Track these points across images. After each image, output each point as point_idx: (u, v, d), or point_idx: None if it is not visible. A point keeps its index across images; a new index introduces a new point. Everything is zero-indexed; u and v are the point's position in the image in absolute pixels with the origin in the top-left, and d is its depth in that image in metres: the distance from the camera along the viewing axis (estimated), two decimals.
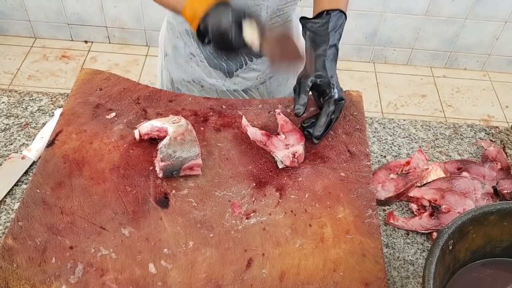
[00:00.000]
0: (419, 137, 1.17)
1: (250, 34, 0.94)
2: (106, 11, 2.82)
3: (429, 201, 0.99)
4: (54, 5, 2.79)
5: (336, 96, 1.02)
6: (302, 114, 1.01)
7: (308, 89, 1.01)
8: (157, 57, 1.45)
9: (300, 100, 1.01)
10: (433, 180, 1.05)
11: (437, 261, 0.70)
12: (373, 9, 2.70)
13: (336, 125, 1.07)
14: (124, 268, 0.83)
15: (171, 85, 1.35)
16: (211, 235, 0.88)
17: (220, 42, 0.94)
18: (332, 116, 1.02)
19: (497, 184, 1.04)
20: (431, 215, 0.97)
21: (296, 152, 0.98)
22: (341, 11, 1.07)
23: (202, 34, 0.96)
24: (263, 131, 1.03)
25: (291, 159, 0.98)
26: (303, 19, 1.08)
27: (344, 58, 2.94)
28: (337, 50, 1.05)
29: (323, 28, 1.05)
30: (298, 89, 1.03)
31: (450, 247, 0.74)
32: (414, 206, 1.00)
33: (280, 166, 0.99)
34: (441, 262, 0.72)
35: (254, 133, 1.03)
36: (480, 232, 0.79)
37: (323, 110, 1.02)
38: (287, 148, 0.99)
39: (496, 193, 1.03)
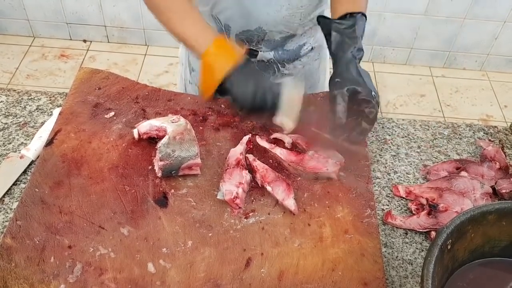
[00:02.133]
0: (417, 136, 1.17)
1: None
2: (105, 10, 2.81)
3: (427, 200, 0.99)
4: (53, 4, 2.79)
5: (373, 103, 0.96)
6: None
7: (347, 98, 0.96)
8: (176, 58, 1.43)
9: (338, 111, 0.96)
10: (433, 180, 1.05)
11: (436, 260, 0.70)
12: (372, 9, 2.70)
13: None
14: (123, 267, 0.83)
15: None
16: (210, 234, 0.88)
17: (245, 105, 0.97)
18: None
19: (495, 183, 1.04)
20: (428, 214, 0.97)
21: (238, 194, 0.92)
22: (363, 14, 1.05)
23: (224, 91, 0.97)
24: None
25: (232, 197, 0.92)
26: (323, 19, 1.06)
27: None
28: (363, 54, 1.03)
29: (350, 30, 1.03)
30: (334, 99, 0.97)
31: (449, 247, 0.74)
32: (412, 205, 1.00)
33: (219, 197, 0.92)
34: (440, 261, 0.72)
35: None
36: (479, 232, 0.79)
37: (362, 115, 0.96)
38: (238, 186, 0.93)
39: (495, 193, 1.03)
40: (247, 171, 0.96)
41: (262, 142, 1.02)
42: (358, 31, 1.03)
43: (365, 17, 1.06)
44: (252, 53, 1.20)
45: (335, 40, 1.03)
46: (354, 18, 1.03)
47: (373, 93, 0.97)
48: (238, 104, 0.98)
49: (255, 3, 1.09)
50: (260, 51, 1.20)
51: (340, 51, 1.02)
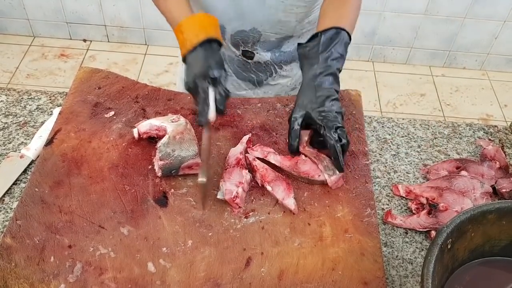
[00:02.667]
0: (417, 136, 1.17)
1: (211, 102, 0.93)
2: (105, 10, 2.81)
3: (427, 199, 0.99)
4: (52, 3, 2.79)
5: (334, 125, 0.92)
6: (296, 151, 0.97)
7: (299, 125, 0.95)
8: (178, 63, 1.42)
9: (292, 137, 0.96)
10: (433, 179, 1.05)
11: (436, 260, 0.70)
12: (372, 8, 2.70)
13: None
14: (123, 267, 0.83)
15: None
16: (210, 234, 0.88)
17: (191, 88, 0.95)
18: (341, 143, 0.93)
19: (495, 183, 1.04)
20: (429, 213, 0.97)
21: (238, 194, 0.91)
22: (337, 28, 0.99)
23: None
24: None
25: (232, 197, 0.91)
26: (298, 45, 1.03)
27: None
28: (333, 71, 0.97)
29: (313, 50, 0.99)
30: (289, 125, 0.96)
31: (449, 246, 0.74)
32: (412, 205, 1.00)
33: (219, 196, 0.92)
34: (440, 261, 0.72)
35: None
36: (479, 231, 0.79)
37: (328, 144, 0.92)
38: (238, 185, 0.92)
39: (495, 192, 1.03)
40: (247, 171, 0.95)
41: (255, 153, 1.00)
42: (322, 48, 0.97)
43: (343, 30, 1.00)
44: (247, 55, 1.20)
45: (300, 64, 1.02)
46: (319, 36, 0.98)
47: (329, 118, 0.92)
48: (184, 80, 0.96)
49: (249, 4, 1.09)
50: (257, 52, 1.20)
51: (303, 75, 0.99)
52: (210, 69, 0.92)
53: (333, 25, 0.99)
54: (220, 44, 0.97)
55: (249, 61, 1.22)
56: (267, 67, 1.23)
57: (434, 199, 0.99)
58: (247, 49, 1.19)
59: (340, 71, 1.00)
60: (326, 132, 0.92)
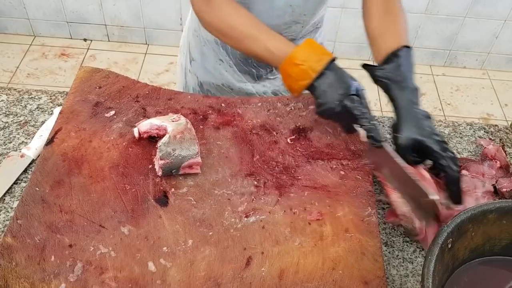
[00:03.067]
0: None
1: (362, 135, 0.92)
2: (105, 9, 2.81)
3: None
4: (53, 3, 2.79)
5: (450, 153, 0.88)
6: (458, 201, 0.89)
7: (411, 152, 0.90)
8: (176, 57, 1.42)
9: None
10: None
11: (436, 259, 0.70)
12: None
13: (335, 124, 1.07)
14: (123, 266, 0.83)
15: (199, 87, 1.34)
16: (210, 233, 0.88)
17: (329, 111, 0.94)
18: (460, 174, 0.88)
19: (496, 182, 1.04)
20: None
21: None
22: (406, 47, 0.98)
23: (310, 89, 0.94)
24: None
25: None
26: (367, 67, 1.01)
27: (344, 56, 2.94)
28: (418, 92, 0.96)
29: (396, 73, 0.96)
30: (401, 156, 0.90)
31: (449, 246, 0.74)
32: None
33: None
34: (440, 260, 0.72)
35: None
36: (479, 231, 0.79)
37: (450, 177, 0.87)
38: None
39: (496, 192, 1.03)
40: None
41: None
42: (405, 70, 0.95)
43: (410, 48, 0.98)
44: None
45: (384, 86, 0.98)
46: (397, 57, 0.96)
47: (443, 144, 0.89)
48: (321, 107, 0.94)
49: (258, 5, 1.09)
50: None
51: (394, 99, 0.96)
52: (350, 86, 0.92)
53: (401, 44, 0.98)
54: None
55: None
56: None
57: None
58: None
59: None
60: (448, 162, 0.87)
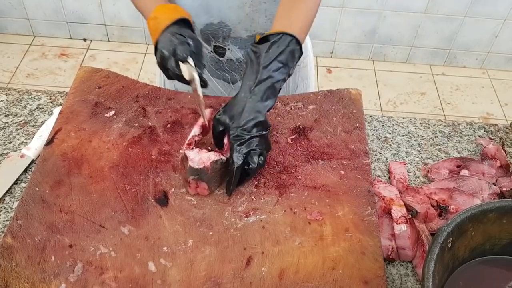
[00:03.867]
0: (418, 135, 1.17)
1: (188, 74, 0.94)
2: (105, 9, 2.81)
3: (437, 201, 0.99)
4: (52, 3, 2.78)
5: (241, 149, 0.89)
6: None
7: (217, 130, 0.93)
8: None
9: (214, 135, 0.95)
10: (438, 180, 1.05)
11: (436, 259, 0.70)
12: (372, 7, 2.70)
13: (335, 123, 1.07)
14: (124, 266, 0.83)
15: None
16: (210, 233, 0.88)
17: (164, 71, 0.96)
18: (248, 167, 0.91)
19: (496, 181, 1.04)
20: (439, 215, 0.97)
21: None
22: (287, 34, 0.93)
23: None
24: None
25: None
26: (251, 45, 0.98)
27: (343, 56, 2.94)
28: (273, 83, 0.91)
29: (256, 56, 0.93)
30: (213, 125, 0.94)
31: (449, 245, 0.74)
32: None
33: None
34: (440, 260, 0.72)
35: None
36: (479, 230, 0.79)
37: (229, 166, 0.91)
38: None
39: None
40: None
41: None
42: (266, 57, 0.92)
43: (292, 37, 0.94)
44: (219, 51, 1.19)
45: (245, 67, 0.96)
46: (267, 41, 0.93)
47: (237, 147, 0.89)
48: (157, 53, 0.96)
49: (216, 2, 1.08)
50: (228, 48, 1.18)
51: (242, 80, 0.94)
52: (176, 48, 0.92)
53: (282, 30, 0.94)
54: (191, 28, 0.98)
55: (221, 58, 1.21)
56: (240, 65, 1.22)
57: (444, 200, 0.98)
58: (218, 44, 1.18)
59: (284, 81, 0.95)
60: (233, 152, 0.90)
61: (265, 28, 1.14)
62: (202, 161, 0.90)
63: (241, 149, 0.90)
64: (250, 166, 0.91)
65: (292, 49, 0.94)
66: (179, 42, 0.93)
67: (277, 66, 0.93)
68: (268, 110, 0.93)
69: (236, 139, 0.90)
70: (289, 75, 0.97)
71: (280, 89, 0.95)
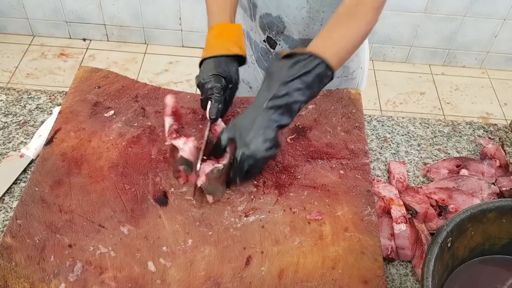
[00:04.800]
0: (417, 134, 1.17)
1: (208, 115, 0.95)
2: (104, 9, 2.81)
3: (436, 201, 0.99)
4: (52, 3, 2.78)
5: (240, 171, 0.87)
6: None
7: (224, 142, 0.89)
8: (178, 61, 1.43)
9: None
10: (438, 179, 1.05)
11: (436, 258, 0.70)
12: None
13: (335, 123, 1.07)
14: (123, 266, 0.83)
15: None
16: (210, 233, 0.88)
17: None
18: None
19: (495, 181, 1.05)
20: (439, 215, 0.97)
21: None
22: (317, 56, 0.87)
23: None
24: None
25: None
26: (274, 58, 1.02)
27: None
28: (288, 103, 0.85)
29: (278, 71, 0.88)
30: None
31: (449, 245, 0.74)
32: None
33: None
34: (440, 259, 0.72)
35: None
36: (479, 230, 0.79)
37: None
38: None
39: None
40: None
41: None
42: (288, 72, 0.86)
43: (325, 64, 0.87)
44: (271, 42, 1.20)
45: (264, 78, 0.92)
46: (295, 57, 0.87)
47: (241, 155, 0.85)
48: (197, 78, 0.97)
49: (275, 1, 1.09)
50: (279, 44, 1.19)
51: (258, 92, 0.89)
52: (207, 84, 0.94)
53: (313, 51, 0.88)
54: (238, 58, 0.99)
55: (272, 50, 1.22)
56: None
57: (443, 200, 0.98)
58: (271, 36, 1.18)
59: (305, 103, 0.89)
60: (232, 172, 0.88)
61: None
62: (192, 151, 0.90)
63: (240, 172, 0.88)
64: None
65: (319, 72, 0.87)
66: (217, 89, 0.93)
67: (299, 86, 0.86)
68: (281, 128, 0.87)
69: (245, 162, 0.86)
70: (313, 98, 0.91)
71: (299, 110, 0.89)
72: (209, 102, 0.94)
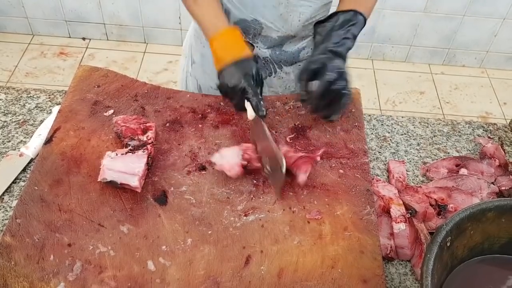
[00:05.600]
0: (417, 134, 1.17)
1: (250, 115, 0.98)
2: (104, 8, 2.81)
3: (436, 200, 0.99)
4: (51, 2, 2.78)
5: (331, 76, 0.97)
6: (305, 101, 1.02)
7: (302, 79, 1.00)
8: (178, 61, 1.44)
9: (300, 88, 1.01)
10: (437, 179, 1.05)
11: (435, 257, 0.70)
12: None
13: (334, 122, 1.07)
14: (123, 265, 0.83)
15: (198, 91, 1.34)
16: (209, 232, 0.88)
17: (228, 99, 1.02)
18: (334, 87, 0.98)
19: (495, 181, 1.05)
20: (438, 214, 0.97)
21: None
22: (354, 11, 1.04)
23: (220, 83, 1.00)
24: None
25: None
26: (315, 24, 1.09)
27: None
28: (343, 50, 1.02)
29: (328, 28, 1.04)
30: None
31: (448, 244, 0.74)
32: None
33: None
34: (439, 258, 0.72)
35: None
36: (478, 229, 0.79)
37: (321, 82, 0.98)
38: None
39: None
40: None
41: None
42: (337, 27, 1.03)
43: (360, 14, 1.05)
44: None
45: (314, 41, 1.08)
46: (337, 16, 1.04)
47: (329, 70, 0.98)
48: (221, 86, 1.00)
49: None
50: (257, 46, 1.19)
51: (314, 48, 1.05)
52: (241, 83, 0.96)
53: (351, 8, 1.05)
54: (251, 56, 1.01)
55: None
56: (267, 65, 1.22)
57: (443, 199, 0.98)
58: (248, 40, 1.18)
59: (349, 49, 1.04)
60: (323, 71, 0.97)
61: (296, 30, 1.15)
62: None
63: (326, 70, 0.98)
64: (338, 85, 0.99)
65: (361, 24, 1.05)
66: (248, 85, 0.96)
67: (348, 36, 1.03)
68: (343, 71, 1.00)
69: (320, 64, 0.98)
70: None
71: (347, 57, 1.03)
72: (249, 102, 0.96)
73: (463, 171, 1.05)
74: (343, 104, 1.01)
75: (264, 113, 0.96)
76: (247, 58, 0.99)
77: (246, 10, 1.12)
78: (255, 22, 1.13)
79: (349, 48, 1.03)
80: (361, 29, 1.05)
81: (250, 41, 1.18)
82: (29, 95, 1.18)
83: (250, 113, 0.97)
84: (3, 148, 1.06)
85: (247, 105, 0.96)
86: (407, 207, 0.97)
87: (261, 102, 0.95)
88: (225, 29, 1.02)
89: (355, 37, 1.04)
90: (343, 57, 1.02)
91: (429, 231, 0.95)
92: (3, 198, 0.97)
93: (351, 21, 1.03)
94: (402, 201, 0.98)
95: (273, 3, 1.09)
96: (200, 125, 1.05)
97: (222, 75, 0.99)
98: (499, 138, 1.17)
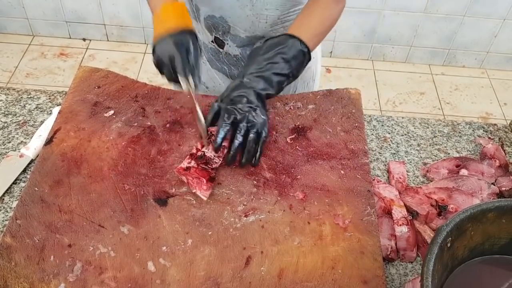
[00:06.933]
0: (417, 134, 1.17)
1: (185, 87, 0.97)
2: (104, 9, 2.81)
3: (436, 201, 0.99)
4: (52, 2, 2.78)
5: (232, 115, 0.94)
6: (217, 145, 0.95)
7: (212, 114, 0.98)
8: None
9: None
10: (437, 179, 1.05)
11: (436, 258, 0.70)
12: (372, 7, 2.70)
13: (334, 123, 1.07)
14: (123, 266, 0.83)
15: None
16: (209, 233, 0.88)
17: (160, 71, 1.00)
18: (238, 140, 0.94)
19: (495, 181, 1.05)
20: (439, 215, 0.97)
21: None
22: (288, 35, 1.00)
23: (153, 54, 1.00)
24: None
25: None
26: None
27: (343, 55, 2.94)
28: (267, 75, 0.97)
29: (255, 52, 1.01)
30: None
31: (449, 245, 0.74)
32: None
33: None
34: (440, 259, 0.72)
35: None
36: (479, 230, 0.79)
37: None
38: None
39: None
40: None
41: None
42: (264, 50, 0.99)
43: (302, 42, 1.00)
44: (218, 43, 1.21)
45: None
46: (272, 40, 1.01)
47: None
48: (157, 68, 1.00)
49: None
50: (227, 43, 1.19)
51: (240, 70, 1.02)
52: (171, 54, 0.95)
53: (286, 33, 1.02)
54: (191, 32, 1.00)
55: (221, 50, 1.22)
56: (238, 62, 1.22)
57: (443, 200, 0.98)
58: (218, 36, 1.19)
59: (287, 77, 0.99)
60: (220, 119, 0.95)
61: (265, 32, 1.15)
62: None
63: (230, 115, 0.94)
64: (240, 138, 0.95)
65: (298, 49, 0.99)
66: (181, 58, 0.94)
67: (278, 60, 0.98)
68: (263, 91, 0.97)
69: (224, 108, 0.95)
70: (294, 77, 1.02)
71: (281, 85, 0.98)
72: (183, 78, 0.95)
73: (463, 171, 1.05)
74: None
75: (193, 85, 0.95)
76: (183, 31, 0.98)
77: (214, 7, 1.12)
78: (222, 20, 1.14)
79: (279, 74, 0.98)
80: (299, 53, 1.00)
81: (221, 38, 1.19)
82: (29, 96, 1.19)
83: (184, 86, 0.97)
84: (3, 149, 1.06)
85: (181, 79, 0.96)
86: (409, 210, 0.97)
87: (193, 75, 0.95)
88: (166, 4, 1.01)
89: (286, 60, 0.98)
90: (269, 81, 0.98)
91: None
92: (3, 199, 0.97)
93: (280, 45, 0.99)
94: (403, 202, 0.98)
95: (239, 4, 1.09)
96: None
97: (155, 48, 0.98)
98: (499, 138, 1.17)
